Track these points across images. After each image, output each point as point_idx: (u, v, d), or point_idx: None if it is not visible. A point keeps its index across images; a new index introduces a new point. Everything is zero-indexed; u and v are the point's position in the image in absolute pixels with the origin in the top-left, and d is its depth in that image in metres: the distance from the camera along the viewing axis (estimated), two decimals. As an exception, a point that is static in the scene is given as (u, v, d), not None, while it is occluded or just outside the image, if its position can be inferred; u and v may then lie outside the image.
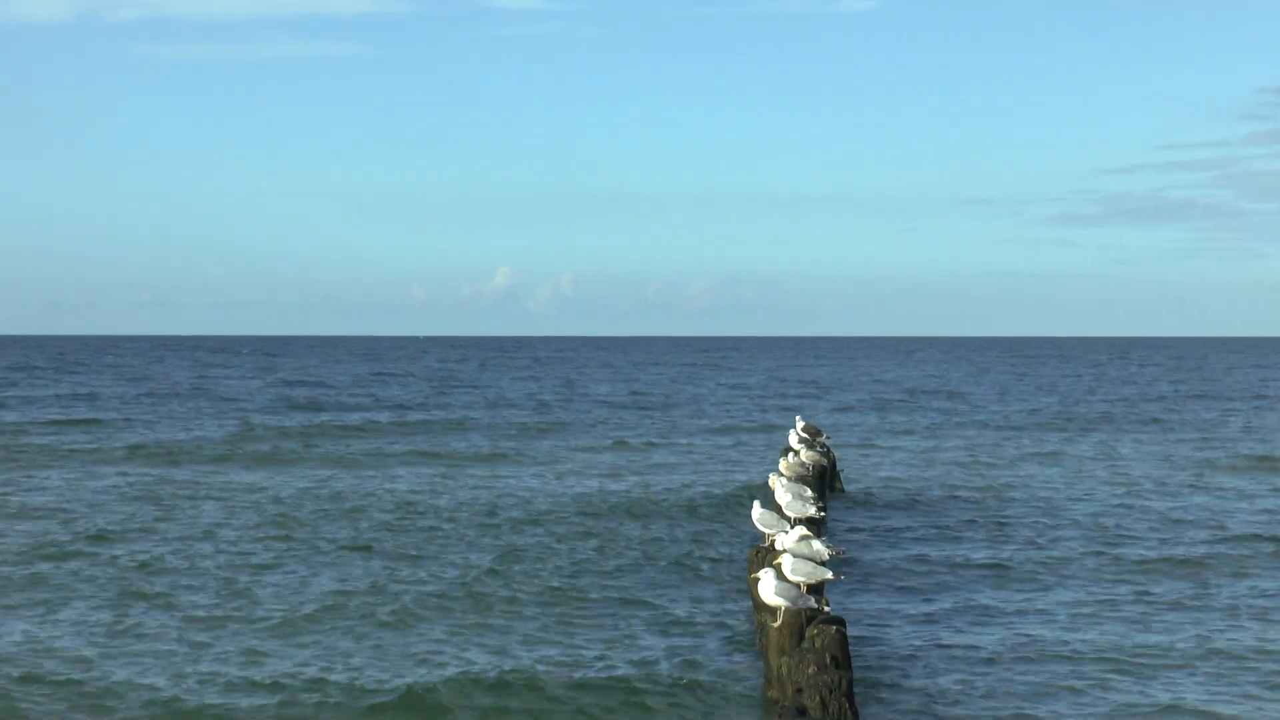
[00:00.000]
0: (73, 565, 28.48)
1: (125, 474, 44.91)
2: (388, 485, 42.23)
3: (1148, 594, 26.17)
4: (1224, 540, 32.29)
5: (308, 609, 24.49)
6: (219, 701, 19.02)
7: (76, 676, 20.13)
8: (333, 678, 20.09)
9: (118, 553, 29.91)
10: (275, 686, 19.65)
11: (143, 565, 28.42)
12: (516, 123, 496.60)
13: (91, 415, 70.89)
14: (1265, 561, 29.71)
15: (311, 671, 20.46)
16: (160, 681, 19.95)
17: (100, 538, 31.72)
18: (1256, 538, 32.61)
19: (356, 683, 19.85)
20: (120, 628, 23.16)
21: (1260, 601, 25.62)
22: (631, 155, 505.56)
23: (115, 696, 19.32)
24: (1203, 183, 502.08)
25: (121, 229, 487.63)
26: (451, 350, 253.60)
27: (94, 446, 53.59)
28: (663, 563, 29.13)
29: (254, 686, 19.70)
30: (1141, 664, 21.10)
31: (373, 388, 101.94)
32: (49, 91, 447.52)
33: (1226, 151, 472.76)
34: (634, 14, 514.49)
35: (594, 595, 25.74)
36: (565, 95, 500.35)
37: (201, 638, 22.53)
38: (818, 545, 19.29)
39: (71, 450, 52.13)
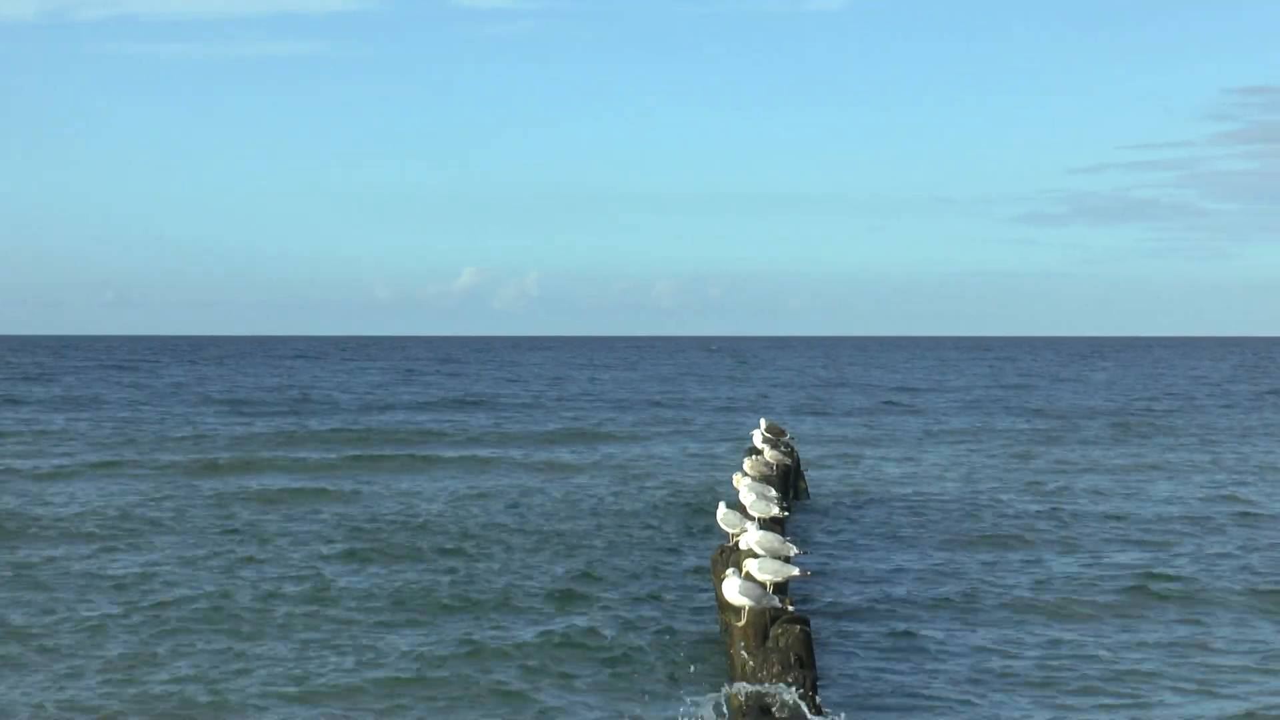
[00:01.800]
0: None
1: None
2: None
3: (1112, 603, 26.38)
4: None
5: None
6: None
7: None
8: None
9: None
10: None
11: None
12: (483, 123, 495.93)
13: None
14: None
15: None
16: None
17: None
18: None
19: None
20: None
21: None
22: (598, 155, 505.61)
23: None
24: (1167, 182, 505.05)
25: (87, 227, 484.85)
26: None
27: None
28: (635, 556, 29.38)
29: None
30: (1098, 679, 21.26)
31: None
32: (14, 91, 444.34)
33: (1191, 151, 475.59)
34: (604, 13, 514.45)
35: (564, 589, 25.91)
36: (531, 95, 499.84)
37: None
38: (782, 544, 19.35)
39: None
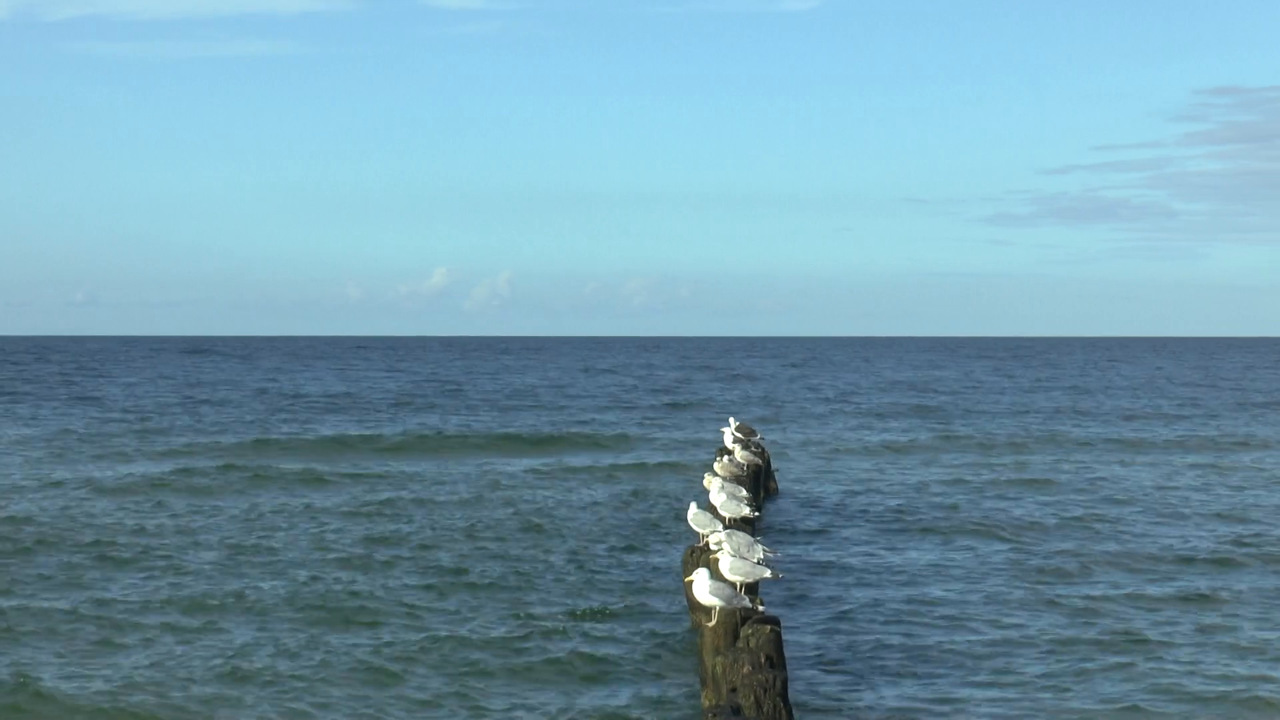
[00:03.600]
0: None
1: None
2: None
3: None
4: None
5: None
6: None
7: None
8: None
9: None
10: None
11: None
12: (455, 123, 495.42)
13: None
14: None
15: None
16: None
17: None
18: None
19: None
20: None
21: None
22: (569, 154, 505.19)
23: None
24: (1136, 183, 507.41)
25: (56, 227, 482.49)
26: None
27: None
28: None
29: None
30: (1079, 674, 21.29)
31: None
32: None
33: (1160, 152, 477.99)
34: (576, 14, 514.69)
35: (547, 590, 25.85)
36: (504, 95, 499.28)
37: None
38: (753, 544, 19.32)
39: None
